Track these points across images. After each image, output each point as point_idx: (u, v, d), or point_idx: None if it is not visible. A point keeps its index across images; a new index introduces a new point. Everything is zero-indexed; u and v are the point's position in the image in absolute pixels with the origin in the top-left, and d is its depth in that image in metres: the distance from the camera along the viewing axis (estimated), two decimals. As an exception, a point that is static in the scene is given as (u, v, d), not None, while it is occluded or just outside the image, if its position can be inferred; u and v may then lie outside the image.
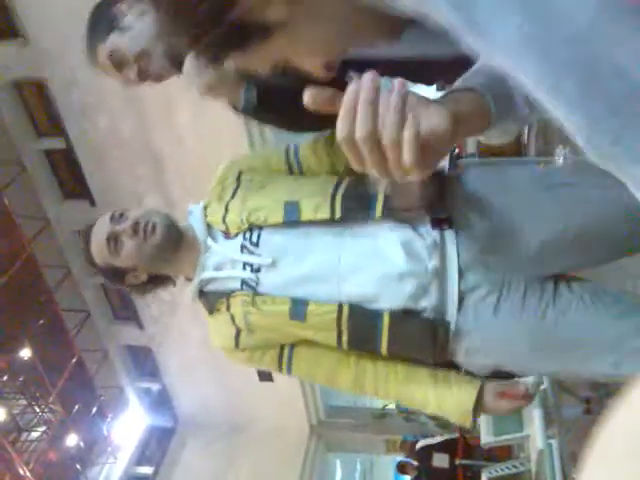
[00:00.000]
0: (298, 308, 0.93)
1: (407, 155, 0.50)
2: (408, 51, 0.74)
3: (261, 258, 0.96)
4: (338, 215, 0.93)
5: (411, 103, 0.51)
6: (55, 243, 5.45)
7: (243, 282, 0.98)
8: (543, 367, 0.97)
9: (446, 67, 0.72)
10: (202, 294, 1.03)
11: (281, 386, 5.34)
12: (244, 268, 0.97)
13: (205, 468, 6.10)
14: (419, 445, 4.33)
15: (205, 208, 1.04)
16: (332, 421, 6.17)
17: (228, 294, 0.98)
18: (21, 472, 5.81)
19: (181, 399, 6.50)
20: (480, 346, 0.93)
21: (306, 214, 0.95)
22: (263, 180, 1.03)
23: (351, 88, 0.51)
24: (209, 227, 1.03)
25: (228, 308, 0.99)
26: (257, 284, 0.96)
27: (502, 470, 3.22)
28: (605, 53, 0.38)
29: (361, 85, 0.51)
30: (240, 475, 5.94)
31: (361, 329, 0.93)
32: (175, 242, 1.02)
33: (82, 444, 6.55)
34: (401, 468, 4.48)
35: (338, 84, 0.54)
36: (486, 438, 2.93)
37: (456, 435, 4.28)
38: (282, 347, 1.02)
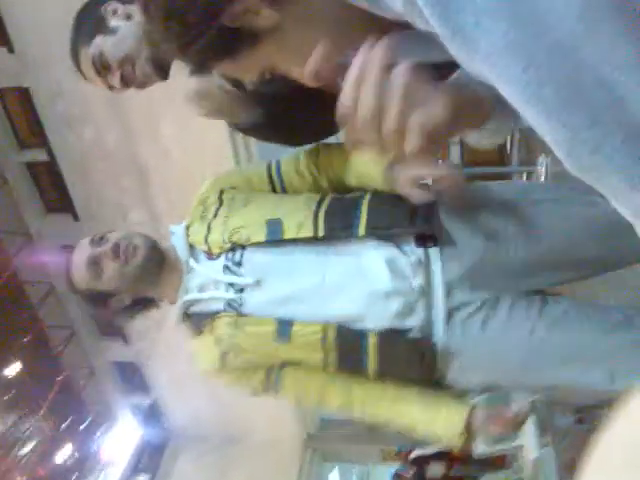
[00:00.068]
0: (283, 329, 0.92)
1: (409, 143, 0.50)
2: (398, 56, 0.73)
3: (244, 278, 0.95)
4: (321, 233, 0.93)
5: (415, 89, 0.50)
6: (37, 258, 5.36)
7: (227, 303, 0.96)
8: (534, 382, 0.96)
9: (437, 72, 0.71)
10: (187, 316, 1.02)
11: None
12: (227, 289, 0.96)
13: (198, 481, 6.03)
14: (413, 455, 4.33)
15: (187, 228, 1.03)
16: (327, 431, 6.15)
17: (212, 315, 0.97)
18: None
19: (172, 413, 6.43)
20: (469, 363, 0.93)
21: (289, 232, 0.94)
22: (245, 198, 1.02)
23: (359, 61, 0.50)
24: (191, 247, 1.01)
25: (213, 330, 0.97)
26: (241, 305, 0.95)
27: (497, 479, 3.22)
28: (587, 61, 0.38)
29: (370, 59, 0.50)
30: (234, 489, 5.88)
31: (347, 350, 0.92)
32: (157, 263, 1.01)
33: (73, 460, 6.46)
34: (397, 478, 4.47)
35: (328, 90, 0.53)
36: (480, 448, 2.92)
37: (451, 444, 4.27)
38: (269, 369, 1.01)
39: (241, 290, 0.95)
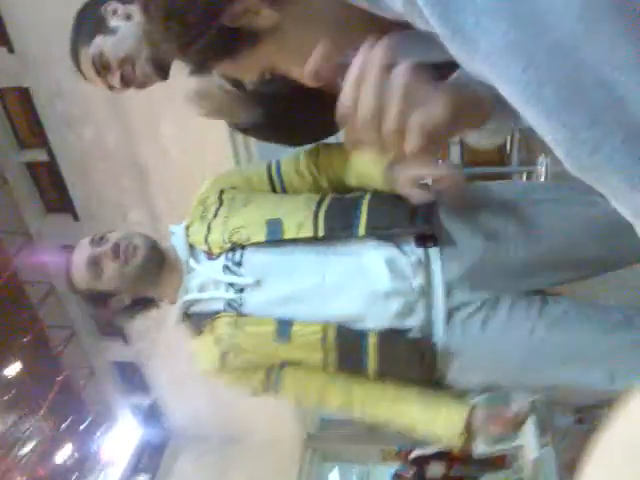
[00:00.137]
0: (283, 329, 0.92)
1: (409, 142, 0.50)
2: (398, 56, 0.73)
3: (244, 278, 0.95)
4: (321, 233, 0.93)
5: (415, 89, 0.50)
6: (37, 258, 5.36)
7: (227, 303, 0.96)
8: (534, 382, 0.96)
9: (437, 72, 0.71)
10: (187, 316, 1.02)
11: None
12: (227, 289, 0.96)
13: (198, 481, 6.02)
14: (413, 455, 4.33)
15: (187, 228, 1.03)
16: (327, 431, 6.14)
17: (212, 315, 0.97)
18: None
19: (172, 413, 6.43)
20: (469, 363, 0.93)
21: (289, 232, 0.94)
22: (245, 198, 1.02)
23: (359, 61, 0.50)
24: (191, 247, 1.01)
25: (213, 330, 0.97)
26: (241, 305, 0.95)
27: (497, 479, 3.21)
28: (587, 61, 0.38)
29: (370, 59, 0.50)
30: (234, 489, 5.88)
31: (347, 350, 0.92)
32: (157, 263, 1.00)
33: (73, 460, 6.46)
34: (397, 478, 4.46)
35: (328, 89, 0.53)
36: (480, 448, 2.92)
37: (451, 444, 4.27)
38: (269, 369, 1.00)
39: (241, 290, 0.95)
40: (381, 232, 0.92)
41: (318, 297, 0.92)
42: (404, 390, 0.97)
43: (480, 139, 0.65)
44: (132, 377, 6.27)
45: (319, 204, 0.96)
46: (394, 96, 0.49)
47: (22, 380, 5.65)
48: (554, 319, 0.90)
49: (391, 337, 0.91)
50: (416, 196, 0.93)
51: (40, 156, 4.89)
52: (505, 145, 3.77)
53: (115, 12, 1.00)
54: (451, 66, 0.55)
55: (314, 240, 0.93)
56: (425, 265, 0.91)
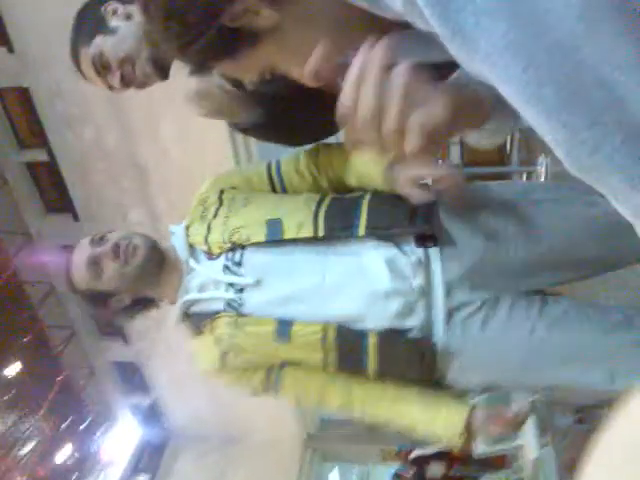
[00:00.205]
0: (283, 328, 0.92)
1: (409, 142, 0.50)
2: (398, 56, 0.73)
3: (244, 278, 0.95)
4: (321, 233, 0.92)
5: (415, 89, 0.50)
6: (37, 258, 5.36)
7: (227, 303, 0.96)
8: (534, 382, 0.96)
9: (437, 72, 0.71)
10: (186, 316, 1.01)
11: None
12: (227, 289, 0.96)
13: (198, 481, 6.02)
14: (413, 455, 4.33)
15: (187, 228, 1.03)
16: (327, 431, 6.14)
17: (212, 315, 0.97)
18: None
19: (172, 413, 6.43)
20: (469, 363, 0.93)
21: (289, 232, 0.94)
22: (245, 198, 1.02)
23: (359, 61, 0.50)
24: (191, 248, 1.01)
25: (213, 330, 0.97)
26: (241, 305, 0.95)
27: (497, 479, 3.21)
28: (587, 61, 0.38)
29: (370, 59, 0.50)
30: (234, 489, 5.87)
31: (347, 350, 0.92)
32: (157, 263, 1.00)
33: (73, 460, 6.46)
34: (397, 478, 4.46)
35: (328, 89, 0.53)
36: (480, 448, 2.92)
37: (451, 444, 4.28)
38: (269, 369, 1.00)
39: (241, 290, 0.95)
40: (381, 232, 0.92)
41: (318, 297, 0.92)
42: (404, 390, 0.97)
43: (480, 139, 0.65)
44: (132, 377, 6.26)
45: (319, 204, 0.96)
46: (394, 96, 0.49)
47: (22, 380, 5.64)
48: (554, 319, 0.90)
49: (391, 337, 0.91)
50: (416, 196, 0.93)
51: (40, 156, 4.89)
52: (505, 145, 3.77)
53: (115, 12, 1.00)
54: (451, 66, 0.55)
55: (314, 240, 0.93)
56: (425, 265, 0.91)
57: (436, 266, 0.92)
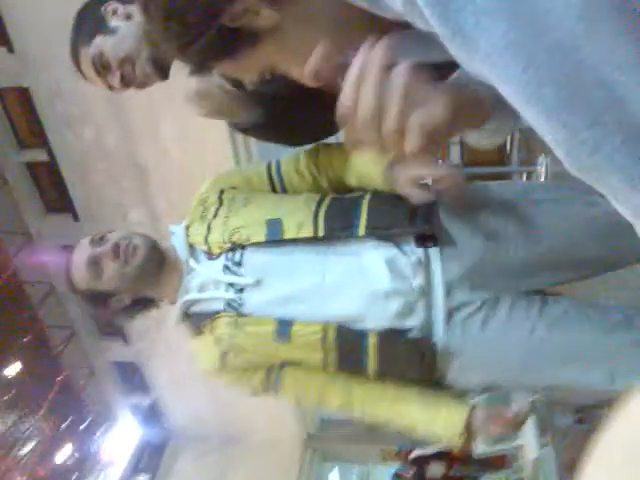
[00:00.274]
0: (283, 328, 0.92)
1: (409, 142, 0.50)
2: (398, 56, 0.73)
3: (244, 278, 0.95)
4: (321, 233, 0.92)
5: (415, 89, 0.50)
6: (37, 258, 5.36)
7: (227, 303, 0.96)
8: (534, 382, 0.95)
9: (437, 72, 0.71)
10: (186, 316, 1.01)
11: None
12: (227, 289, 0.96)
13: (198, 482, 6.02)
14: (413, 455, 4.33)
15: (187, 228, 1.03)
16: (327, 431, 6.14)
17: (212, 315, 0.97)
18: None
19: (172, 413, 6.43)
20: (469, 363, 0.92)
21: (289, 232, 0.94)
22: (245, 198, 1.02)
23: (359, 61, 0.50)
24: (191, 248, 1.01)
25: (213, 330, 0.97)
26: (241, 305, 0.95)
27: (497, 479, 3.22)
28: (587, 61, 0.38)
29: (370, 59, 0.49)
30: (234, 488, 5.87)
31: (347, 350, 0.92)
32: (157, 263, 1.00)
33: (73, 460, 6.46)
34: (397, 478, 4.46)
35: (328, 89, 0.53)
36: (480, 448, 2.92)
37: (451, 444, 4.28)
38: (269, 369, 1.00)
39: (241, 290, 0.95)
40: (381, 232, 0.92)
41: (318, 297, 0.92)
42: (404, 390, 0.97)
43: (480, 139, 0.65)
44: (132, 377, 6.27)
45: (319, 204, 0.96)
46: (394, 96, 0.49)
47: (22, 380, 5.64)
48: (554, 319, 0.90)
49: (391, 337, 0.91)
50: (416, 196, 0.93)
51: (40, 156, 4.89)
52: (505, 145, 3.76)
53: (115, 12, 1.00)
54: (451, 66, 0.56)
55: (314, 240, 0.93)
56: (425, 265, 0.91)
57: (436, 266, 0.92)
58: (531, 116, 0.41)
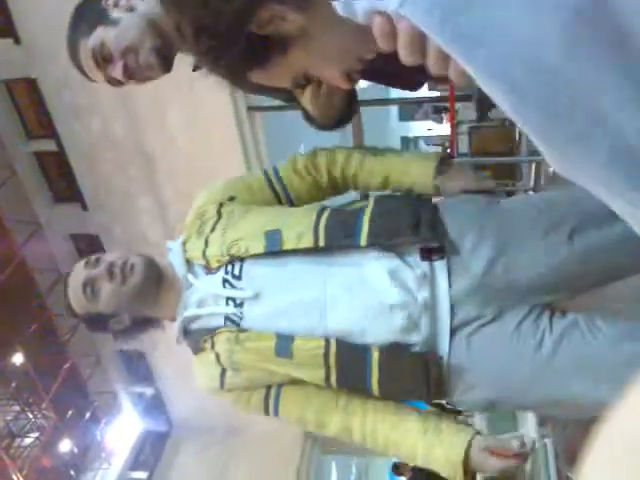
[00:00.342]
0: (284, 344, 0.89)
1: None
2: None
3: (243, 292, 0.92)
4: (322, 243, 0.90)
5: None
6: (46, 247, 5.41)
7: (226, 318, 0.93)
8: (544, 397, 0.89)
9: None
10: (186, 333, 0.99)
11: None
12: (227, 303, 0.94)
13: (200, 472, 6.07)
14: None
15: (184, 244, 1.00)
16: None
17: (212, 331, 0.94)
18: (15, 478, 5.77)
19: (175, 403, 6.47)
20: (476, 380, 0.89)
21: (288, 243, 0.91)
22: (245, 210, 1.00)
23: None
24: (189, 263, 0.98)
25: (213, 346, 0.94)
26: (241, 319, 0.92)
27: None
28: (568, 82, 0.39)
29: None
30: (236, 479, 5.91)
31: (350, 365, 0.89)
32: (155, 281, 0.98)
33: (76, 450, 6.52)
34: (396, 469, 4.47)
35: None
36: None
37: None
38: (269, 387, 0.98)
39: (241, 304, 0.93)
40: (384, 241, 0.90)
41: (318, 309, 0.89)
42: (406, 417, 0.94)
43: None
44: (137, 367, 6.30)
45: (319, 215, 0.94)
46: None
47: (28, 368, 5.70)
48: (563, 332, 0.87)
49: (395, 351, 0.88)
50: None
51: (48, 146, 4.92)
52: (514, 135, 3.74)
53: (117, 4, 0.97)
54: None
55: (314, 251, 0.91)
56: (430, 279, 0.88)
57: (442, 280, 0.89)
58: (524, 130, 0.44)
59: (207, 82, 0.59)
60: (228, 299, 0.94)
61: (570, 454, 2.23)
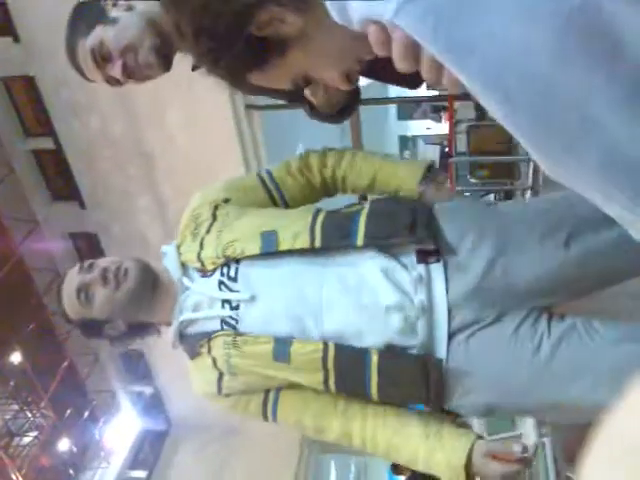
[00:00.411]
0: (281, 348, 0.89)
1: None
2: None
3: (239, 294, 0.92)
4: (318, 244, 0.90)
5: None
6: (44, 246, 5.40)
7: (223, 321, 0.92)
8: (543, 400, 0.89)
9: None
10: (182, 338, 0.97)
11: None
12: (223, 306, 0.93)
13: (199, 471, 6.07)
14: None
15: (178, 247, 0.99)
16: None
17: (209, 336, 0.93)
18: (13, 477, 5.77)
19: (174, 402, 6.47)
20: (474, 384, 0.88)
21: (284, 243, 0.91)
22: (240, 212, 1.00)
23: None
24: (184, 266, 0.98)
25: (209, 351, 0.93)
26: (237, 322, 0.92)
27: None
28: (561, 91, 0.40)
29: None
30: (234, 478, 5.92)
31: (349, 368, 0.88)
32: (150, 286, 0.96)
33: (74, 449, 6.52)
34: (395, 469, 4.47)
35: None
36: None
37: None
38: (267, 391, 0.97)
39: (237, 307, 0.92)
40: (380, 241, 0.90)
41: (315, 311, 0.89)
42: (407, 421, 0.93)
43: None
44: (136, 365, 6.29)
45: (315, 217, 0.94)
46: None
47: (26, 366, 5.69)
48: (561, 335, 0.87)
49: (394, 354, 0.88)
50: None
51: (46, 144, 4.91)
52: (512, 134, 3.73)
53: (115, 4, 0.97)
54: None
55: (310, 251, 0.91)
56: (426, 281, 0.88)
57: (438, 283, 0.88)
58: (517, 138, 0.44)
59: (206, 81, 0.59)
60: (224, 302, 0.93)
61: (569, 454, 2.23)
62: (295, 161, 1.06)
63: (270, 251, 0.92)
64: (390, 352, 0.88)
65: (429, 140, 8.50)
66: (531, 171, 3.48)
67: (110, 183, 4.79)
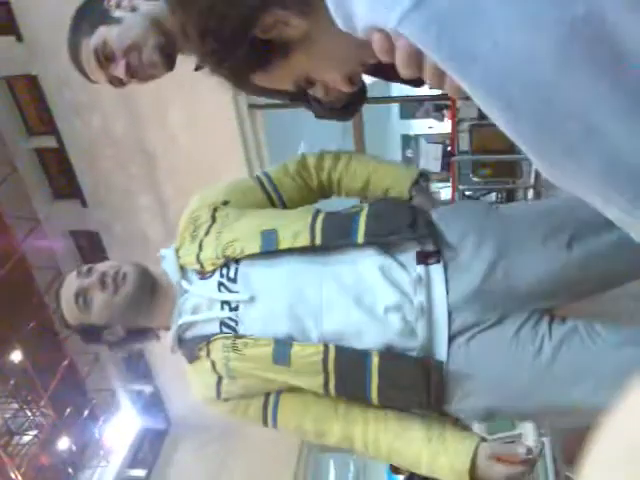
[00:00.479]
0: (282, 350, 0.88)
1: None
2: None
3: (238, 295, 0.91)
4: (318, 242, 0.90)
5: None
6: (46, 244, 5.41)
7: (222, 324, 0.92)
8: (544, 403, 0.88)
9: None
10: (181, 342, 0.97)
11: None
12: (222, 307, 0.92)
13: (198, 470, 6.07)
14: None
15: (177, 250, 0.99)
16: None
17: (208, 339, 0.92)
18: (13, 476, 5.77)
19: (173, 401, 6.47)
20: (474, 387, 0.88)
21: (285, 242, 0.91)
22: (239, 213, 1.00)
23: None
24: (183, 269, 0.97)
25: (208, 354, 0.92)
26: (237, 323, 0.91)
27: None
28: (562, 99, 0.40)
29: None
30: (234, 477, 5.92)
31: (349, 371, 0.88)
32: (149, 290, 0.96)
33: (74, 447, 6.52)
34: (394, 468, 4.47)
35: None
36: None
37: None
38: (267, 395, 0.96)
39: (236, 308, 0.92)
40: (381, 239, 0.90)
41: (315, 312, 0.89)
42: (409, 424, 0.92)
43: None
44: (136, 364, 6.29)
45: (315, 217, 0.94)
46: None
47: (26, 366, 5.70)
48: (562, 338, 0.87)
49: (394, 355, 0.87)
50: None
51: (49, 143, 4.92)
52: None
53: (119, 5, 0.97)
54: None
55: (311, 250, 0.91)
56: (426, 283, 0.88)
57: (438, 285, 0.88)
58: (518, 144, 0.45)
59: (209, 81, 0.59)
60: (223, 303, 0.93)
61: (569, 453, 2.23)
62: (292, 163, 1.07)
63: (270, 250, 0.92)
64: (391, 355, 0.87)
65: (431, 139, 8.49)
66: (533, 170, 3.48)
67: (112, 182, 4.79)
